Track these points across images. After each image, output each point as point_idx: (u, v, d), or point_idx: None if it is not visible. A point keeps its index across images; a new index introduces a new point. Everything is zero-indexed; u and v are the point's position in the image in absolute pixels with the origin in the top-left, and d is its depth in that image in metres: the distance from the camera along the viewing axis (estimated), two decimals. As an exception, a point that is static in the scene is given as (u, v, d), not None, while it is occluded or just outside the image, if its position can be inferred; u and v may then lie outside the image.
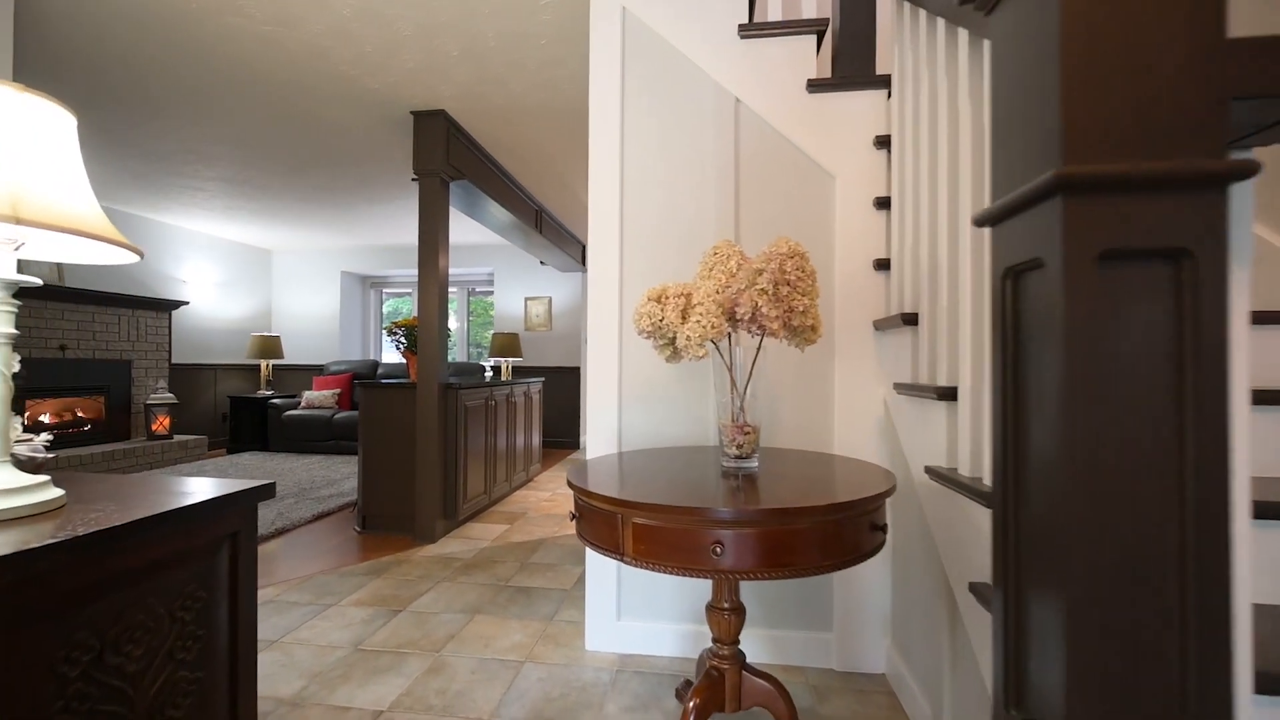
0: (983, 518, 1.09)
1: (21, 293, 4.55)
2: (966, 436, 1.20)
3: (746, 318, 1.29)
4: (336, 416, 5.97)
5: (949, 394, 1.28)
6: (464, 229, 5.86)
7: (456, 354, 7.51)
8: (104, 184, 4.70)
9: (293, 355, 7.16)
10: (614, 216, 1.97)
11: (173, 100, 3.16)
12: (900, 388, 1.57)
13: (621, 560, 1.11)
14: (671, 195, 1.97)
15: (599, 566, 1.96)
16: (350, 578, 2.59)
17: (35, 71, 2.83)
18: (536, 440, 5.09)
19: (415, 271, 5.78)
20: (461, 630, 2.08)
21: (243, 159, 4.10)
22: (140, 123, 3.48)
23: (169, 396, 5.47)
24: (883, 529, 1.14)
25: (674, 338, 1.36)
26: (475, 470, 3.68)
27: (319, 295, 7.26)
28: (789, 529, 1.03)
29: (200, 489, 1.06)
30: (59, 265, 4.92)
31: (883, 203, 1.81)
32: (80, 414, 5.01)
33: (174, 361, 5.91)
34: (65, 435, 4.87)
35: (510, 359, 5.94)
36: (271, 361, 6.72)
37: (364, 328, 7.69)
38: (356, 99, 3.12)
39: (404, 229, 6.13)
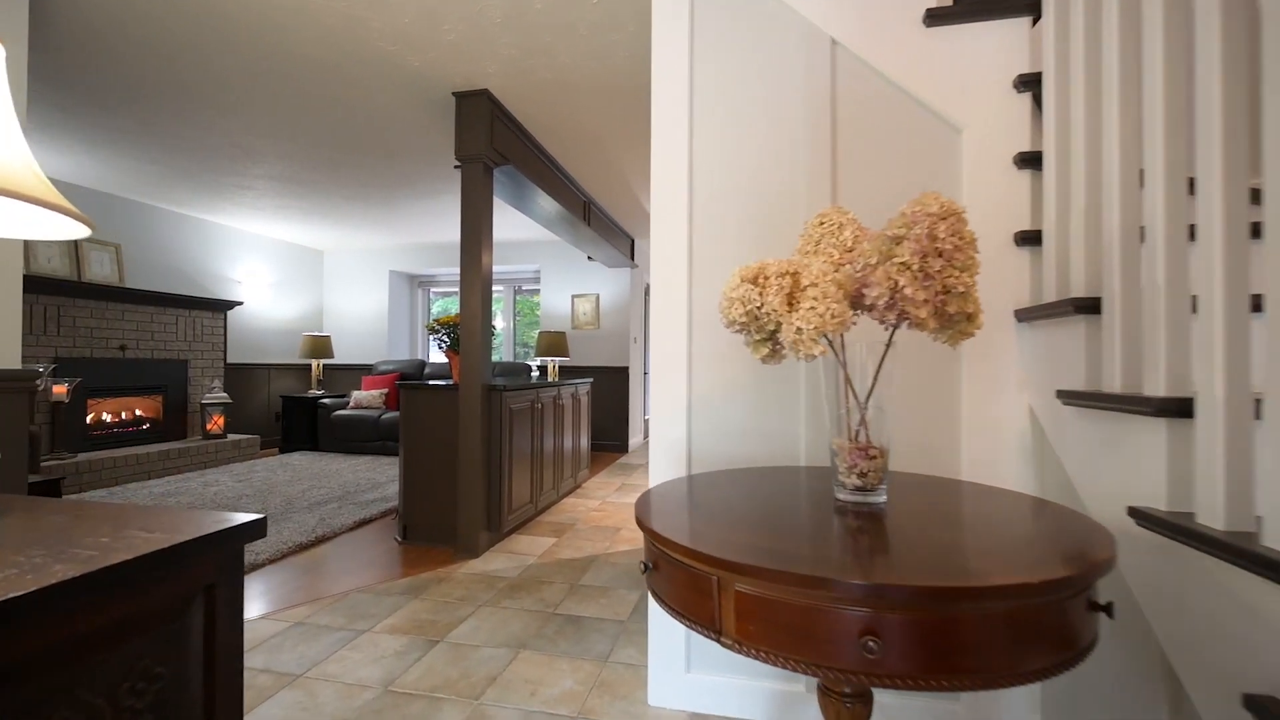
0: (1268, 599, 0.72)
1: (84, 293, 4.62)
2: (1219, 471, 0.82)
3: (882, 303, 0.95)
4: (383, 417, 5.89)
5: (1177, 408, 0.91)
6: (510, 224, 5.66)
7: (502, 353, 7.36)
8: (157, 185, 4.72)
9: (342, 355, 7.17)
10: (682, 187, 1.65)
11: (206, 89, 3.03)
12: (1069, 397, 1.19)
13: (719, 641, 0.79)
14: (751, 160, 1.63)
15: (664, 605, 1.65)
16: (387, 597, 2.37)
17: (59, 64, 2.75)
18: (585, 444, 4.83)
19: (461, 269, 5.63)
20: (504, 671, 1.81)
21: (287, 153, 4.00)
22: (175, 115, 3.38)
23: (224, 396, 5.50)
24: (1105, 609, 0.78)
25: (775, 330, 1.03)
26: (521, 477, 3.43)
27: (368, 295, 7.24)
28: (976, 613, 0.69)
29: (167, 525, 0.81)
30: (119, 267, 4.98)
31: (1028, 159, 1.42)
32: (139, 413, 5.08)
33: (229, 361, 5.96)
34: (124, 434, 4.93)
35: (557, 359, 5.71)
36: (322, 361, 6.72)
37: (412, 327, 7.65)
38: (397, 80, 2.91)
39: (450, 226, 5.99)
